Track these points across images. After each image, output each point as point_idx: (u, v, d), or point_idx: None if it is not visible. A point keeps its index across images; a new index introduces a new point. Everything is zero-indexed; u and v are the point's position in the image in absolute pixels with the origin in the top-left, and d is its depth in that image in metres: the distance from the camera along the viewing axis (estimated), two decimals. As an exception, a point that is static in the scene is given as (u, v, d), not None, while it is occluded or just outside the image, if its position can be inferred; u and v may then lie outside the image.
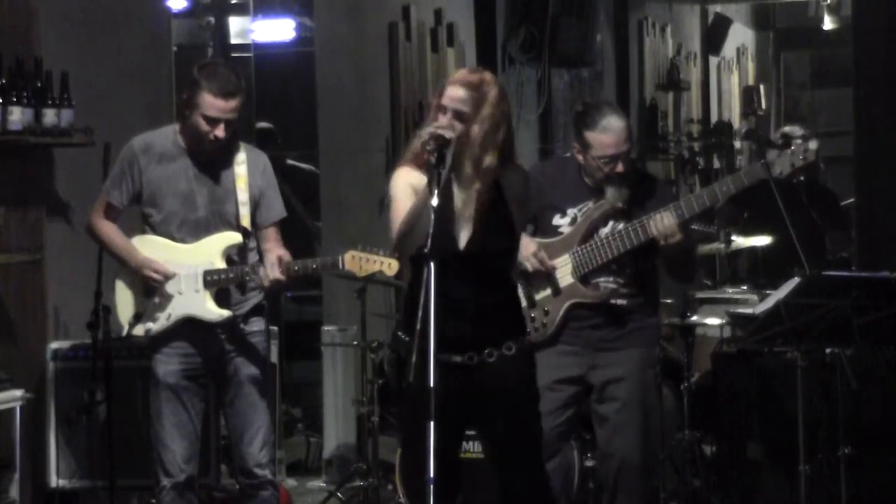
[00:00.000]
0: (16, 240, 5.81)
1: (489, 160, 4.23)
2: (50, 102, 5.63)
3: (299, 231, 8.05)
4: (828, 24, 15.53)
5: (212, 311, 5.07)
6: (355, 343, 6.86)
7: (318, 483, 7.28)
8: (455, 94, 4.26)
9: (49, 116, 5.62)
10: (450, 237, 4.23)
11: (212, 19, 8.77)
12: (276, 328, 7.14)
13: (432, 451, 3.75)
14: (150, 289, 5.11)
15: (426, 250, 3.92)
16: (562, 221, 5.15)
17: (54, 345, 5.89)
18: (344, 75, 8.25)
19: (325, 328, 7.46)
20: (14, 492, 5.53)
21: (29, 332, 5.87)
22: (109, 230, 5.17)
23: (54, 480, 5.82)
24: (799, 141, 5.05)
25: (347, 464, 7.17)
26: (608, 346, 5.17)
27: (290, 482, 7.18)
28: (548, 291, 5.14)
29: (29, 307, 5.88)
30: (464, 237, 4.26)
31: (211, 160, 5.10)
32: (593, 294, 5.13)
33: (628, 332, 5.19)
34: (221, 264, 5.07)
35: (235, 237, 5.10)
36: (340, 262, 4.94)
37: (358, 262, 4.87)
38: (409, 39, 8.64)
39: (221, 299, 5.10)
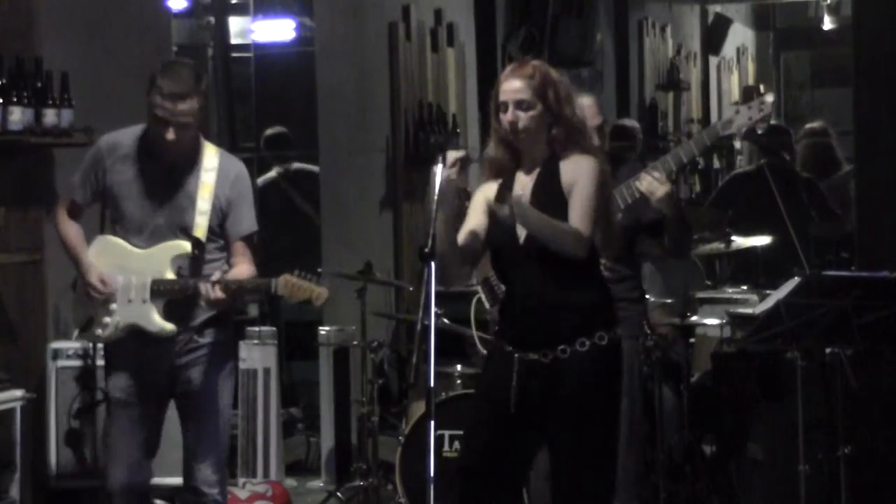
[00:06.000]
0: (16, 240, 5.81)
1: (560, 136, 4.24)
2: (50, 102, 5.62)
3: (304, 232, 8.05)
4: (828, 24, 15.54)
5: (155, 322, 4.79)
6: (355, 343, 6.85)
7: (318, 483, 7.27)
8: (511, 86, 4.26)
9: (49, 116, 5.61)
10: (510, 232, 4.16)
11: (212, 19, 8.78)
12: (275, 328, 7.17)
13: (432, 450, 3.76)
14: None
15: (426, 250, 3.91)
16: None
17: (54, 345, 5.89)
18: (344, 75, 8.24)
19: (324, 328, 7.45)
20: (14, 492, 5.52)
21: (29, 332, 5.87)
22: (69, 230, 4.95)
23: (54, 480, 5.83)
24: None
25: (347, 464, 7.17)
26: None
27: (290, 482, 7.17)
28: None
29: (29, 307, 5.88)
30: (523, 230, 4.18)
31: (176, 165, 4.82)
32: None
33: None
34: (170, 275, 4.78)
35: (183, 247, 4.80)
36: (273, 285, 4.70)
37: (290, 287, 4.67)
38: (409, 39, 8.64)
39: (173, 311, 4.80)
